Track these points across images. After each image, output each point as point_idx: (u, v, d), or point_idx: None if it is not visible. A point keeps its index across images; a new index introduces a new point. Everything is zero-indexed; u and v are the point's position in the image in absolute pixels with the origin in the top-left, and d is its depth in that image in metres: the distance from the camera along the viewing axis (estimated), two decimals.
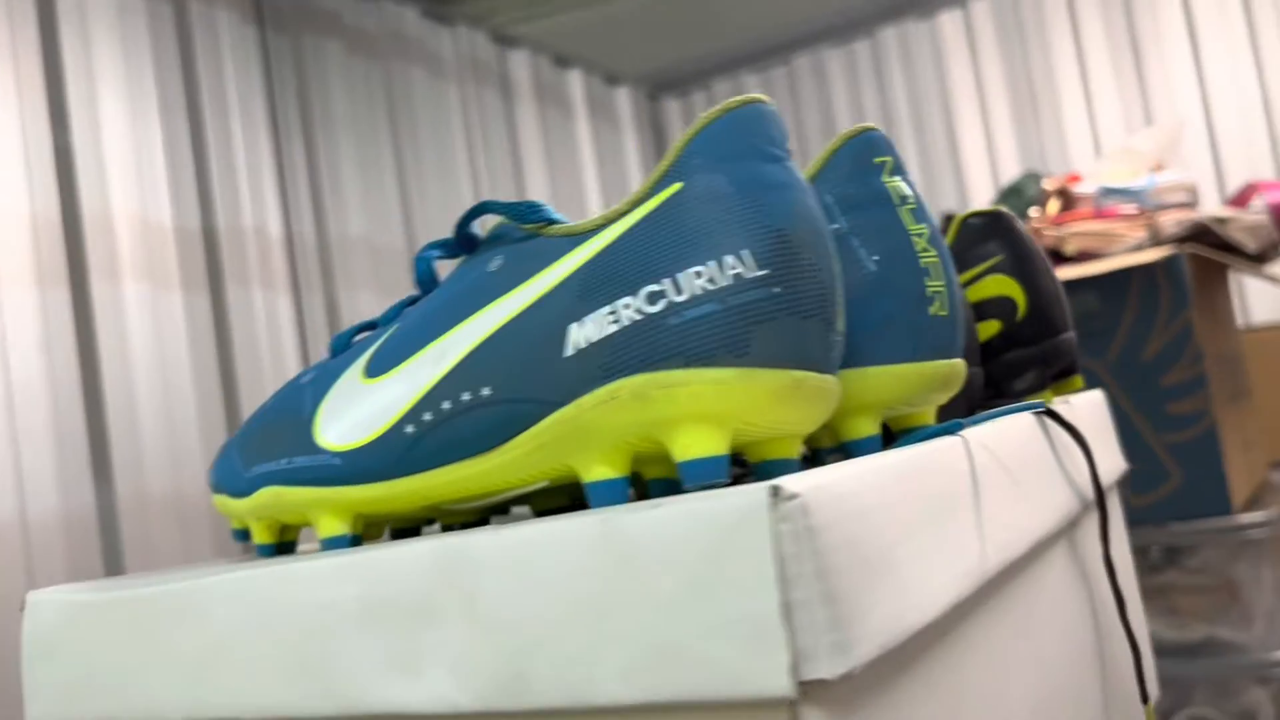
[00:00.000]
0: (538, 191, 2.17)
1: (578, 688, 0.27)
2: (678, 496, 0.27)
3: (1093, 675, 0.48)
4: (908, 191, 0.40)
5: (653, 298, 0.31)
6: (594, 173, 2.32)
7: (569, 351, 0.32)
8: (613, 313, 0.31)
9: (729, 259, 0.31)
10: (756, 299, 0.30)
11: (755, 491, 0.25)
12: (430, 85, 2.01)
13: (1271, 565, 1.17)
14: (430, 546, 0.30)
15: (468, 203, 2.03)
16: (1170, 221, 1.34)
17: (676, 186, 0.32)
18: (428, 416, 0.34)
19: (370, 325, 0.41)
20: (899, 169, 0.40)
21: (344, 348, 0.40)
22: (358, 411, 0.36)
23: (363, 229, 1.84)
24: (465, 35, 2.09)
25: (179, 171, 1.55)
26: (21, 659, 0.37)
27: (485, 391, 0.33)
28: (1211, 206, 1.83)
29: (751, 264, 0.31)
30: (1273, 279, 1.37)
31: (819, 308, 0.31)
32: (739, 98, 0.33)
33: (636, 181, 2.45)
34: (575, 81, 2.33)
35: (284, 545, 0.41)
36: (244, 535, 0.42)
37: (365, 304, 1.80)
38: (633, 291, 0.31)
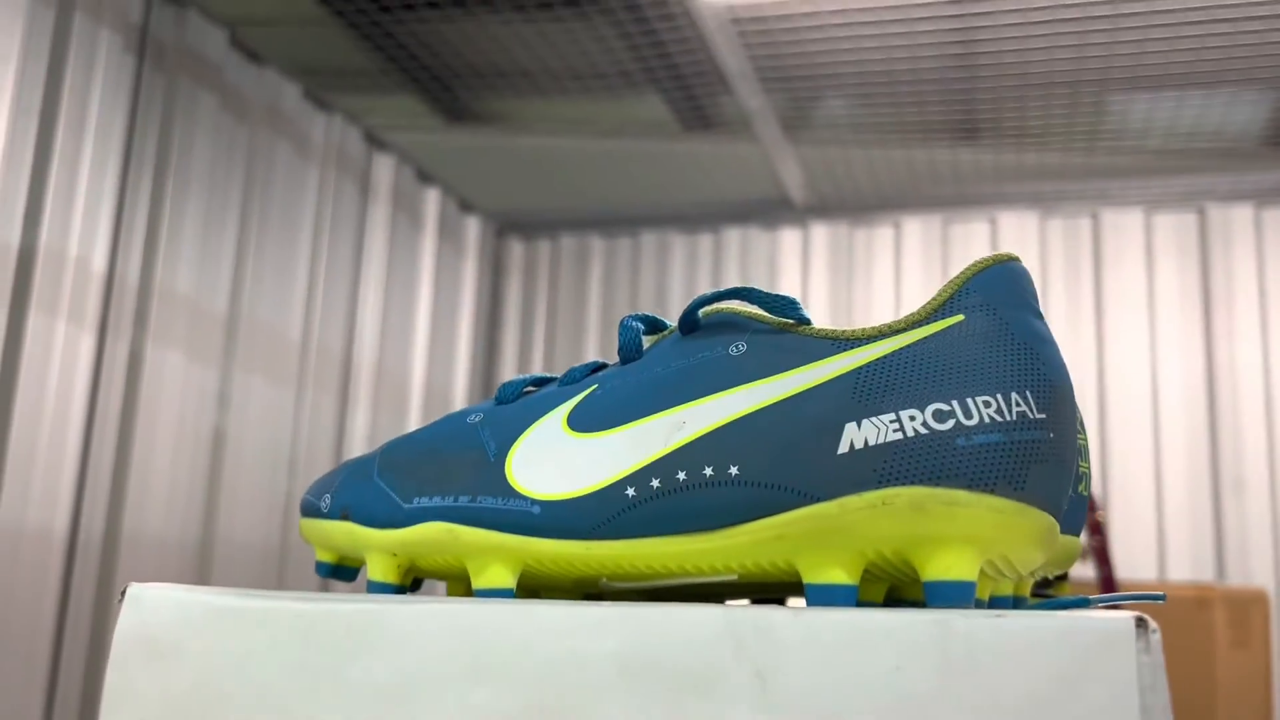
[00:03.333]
0: (372, 293, 2.13)
1: None
2: (1013, 611, 0.28)
3: None
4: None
5: (940, 416, 0.32)
6: (429, 287, 2.30)
7: (842, 449, 0.32)
8: (896, 421, 0.32)
9: (1014, 395, 0.32)
10: (1036, 439, 0.32)
11: (1120, 619, 0.26)
12: (292, 163, 1.96)
13: None
14: (718, 614, 0.28)
15: (302, 285, 1.96)
16: None
17: (959, 318, 0.34)
18: (656, 483, 0.33)
19: (538, 381, 0.39)
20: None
21: (515, 396, 0.38)
22: (565, 463, 0.34)
23: (190, 286, 1.73)
24: (339, 126, 2.06)
25: (13, 179, 1.42)
26: (112, 656, 0.32)
27: (732, 470, 0.33)
28: None
29: (1033, 405, 0.32)
30: None
31: (1073, 461, 0.33)
32: (1003, 254, 0.36)
33: (468, 304, 2.44)
34: (431, 199, 2.33)
35: (400, 588, 0.38)
36: (331, 571, 0.38)
37: (172, 364, 1.68)
38: (919, 405, 0.32)
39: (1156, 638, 0.26)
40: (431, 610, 0.30)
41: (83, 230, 1.53)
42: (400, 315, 2.21)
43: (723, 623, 0.28)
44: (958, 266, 2.27)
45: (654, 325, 0.39)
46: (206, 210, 1.75)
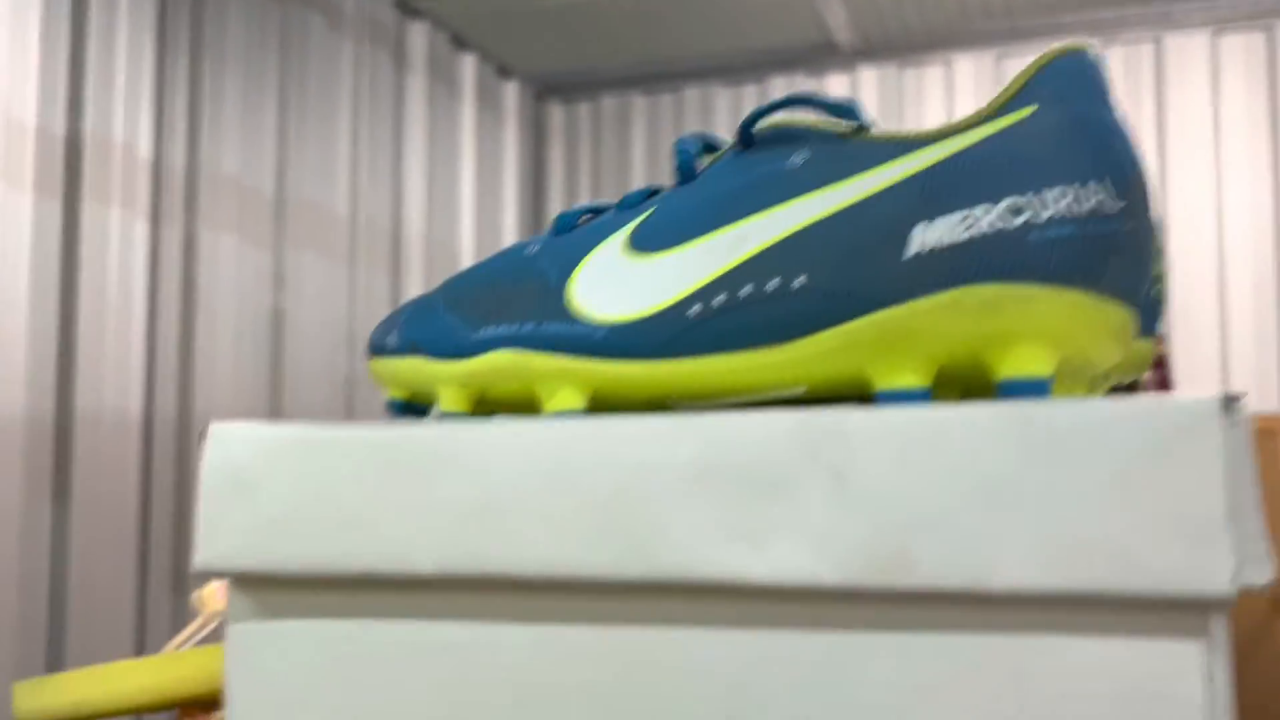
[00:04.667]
0: (414, 166, 2.12)
1: (974, 571, 0.26)
2: (1082, 398, 0.27)
3: None
4: None
5: (1012, 211, 0.31)
6: (471, 157, 2.28)
7: (911, 251, 0.32)
8: (967, 219, 0.31)
9: (1090, 185, 0.31)
10: (1115, 230, 0.31)
11: (1206, 398, 0.26)
12: (326, 37, 1.93)
13: None
14: (792, 417, 0.28)
15: (344, 162, 1.95)
16: None
17: (1030, 109, 0.32)
18: (721, 299, 0.33)
19: (594, 210, 0.39)
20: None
21: (570, 226, 0.38)
22: (627, 285, 0.34)
23: (235, 168, 1.73)
24: None
25: (51, 69, 1.41)
26: (201, 494, 0.33)
27: (799, 281, 0.32)
28: None
29: (1110, 196, 0.31)
30: None
31: (1150, 255, 0.32)
32: (1074, 42, 0.34)
33: (512, 172, 2.42)
34: (468, 65, 2.29)
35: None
36: (403, 408, 0.39)
37: (226, 246, 1.69)
38: (990, 201, 0.31)
39: (1244, 416, 0.26)
40: (508, 429, 0.30)
41: (126, 116, 1.54)
42: (445, 186, 2.20)
43: (797, 425, 0.28)
44: None
45: (710, 145, 0.38)
46: (244, 90, 1.74)
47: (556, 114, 2.54)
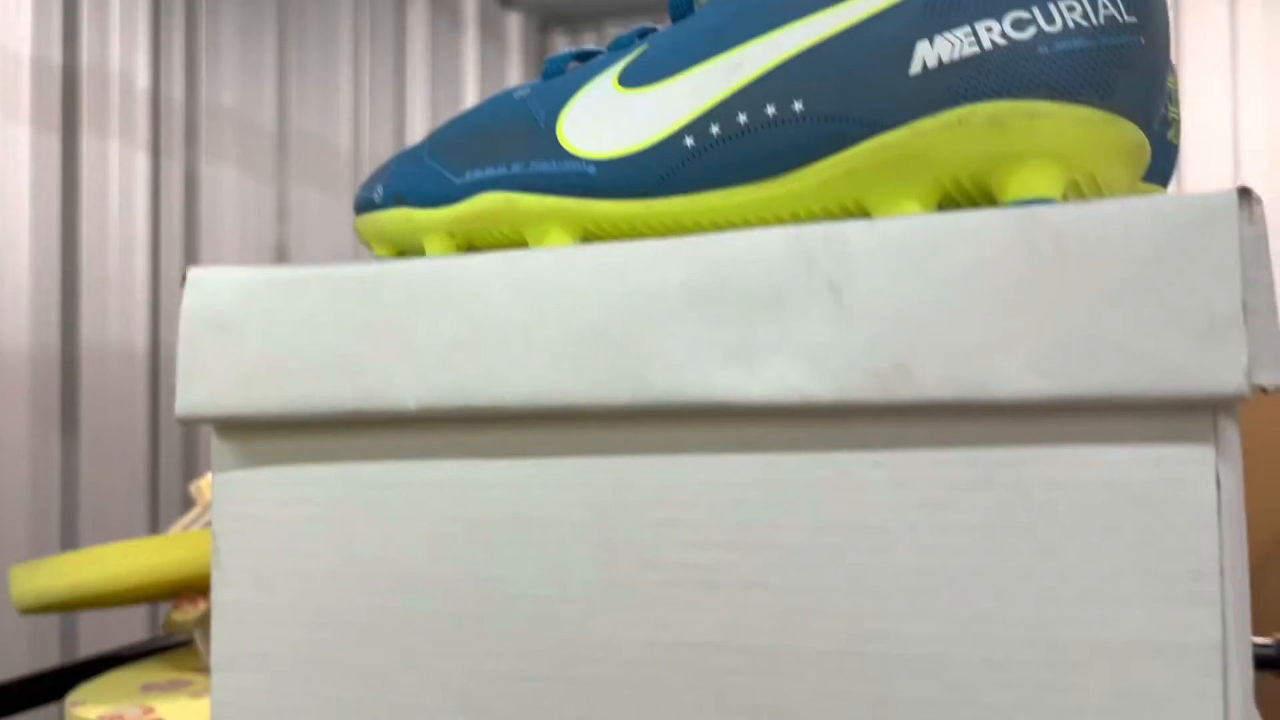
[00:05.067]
0: (417, 99, 2.09)
1: (975, 380, 0.25)
2: (1102, 199, 0.26)
3: None
4: None
5: (1019, 24, 0.30)
6: (474, 90, 2.25)
7: (915, 69, 0.30)
8: (972, 34, 0.30)
9: None
10: (1126, 44, 0.30)
11: (1222, 191, 0.24)
12: None
13: None
14: (787, 232, 0.27)
15: (346, 95, 1.93)
16: None
17: None
18: (716, 129, 0.32)
19: (584, 55, 0.37)
20: None
21: (560, 70, 0.36)
22: (619, 119, 0.33)
23: (235, 100, 1.71)
24: None
25: None
26: (181, 340, 0.32)
27: (797, 106, 0.31)
28: None
29: (1122, 7, 0.30)
30: None
31: (1165, 72, 0.31)
32: None
33: None
34: None
35: None
36: None
37: (228, 179, 1.68)
38: (996, 15, 0.30)
39: (1260, 209, 0.24)
40: (493, 260, 0.29)
41: (122, 46, 1.51)
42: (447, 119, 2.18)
43: (792, 239, 0.27)
44: None
45: None
46: (243, 20, 1.71)
47: (560, 45, 2.51)
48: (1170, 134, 0.39)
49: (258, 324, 0.31)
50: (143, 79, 1.54)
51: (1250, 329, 0.24)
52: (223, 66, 1.68)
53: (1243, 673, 0.24)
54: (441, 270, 0.30)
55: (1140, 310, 0.24)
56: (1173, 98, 0.39)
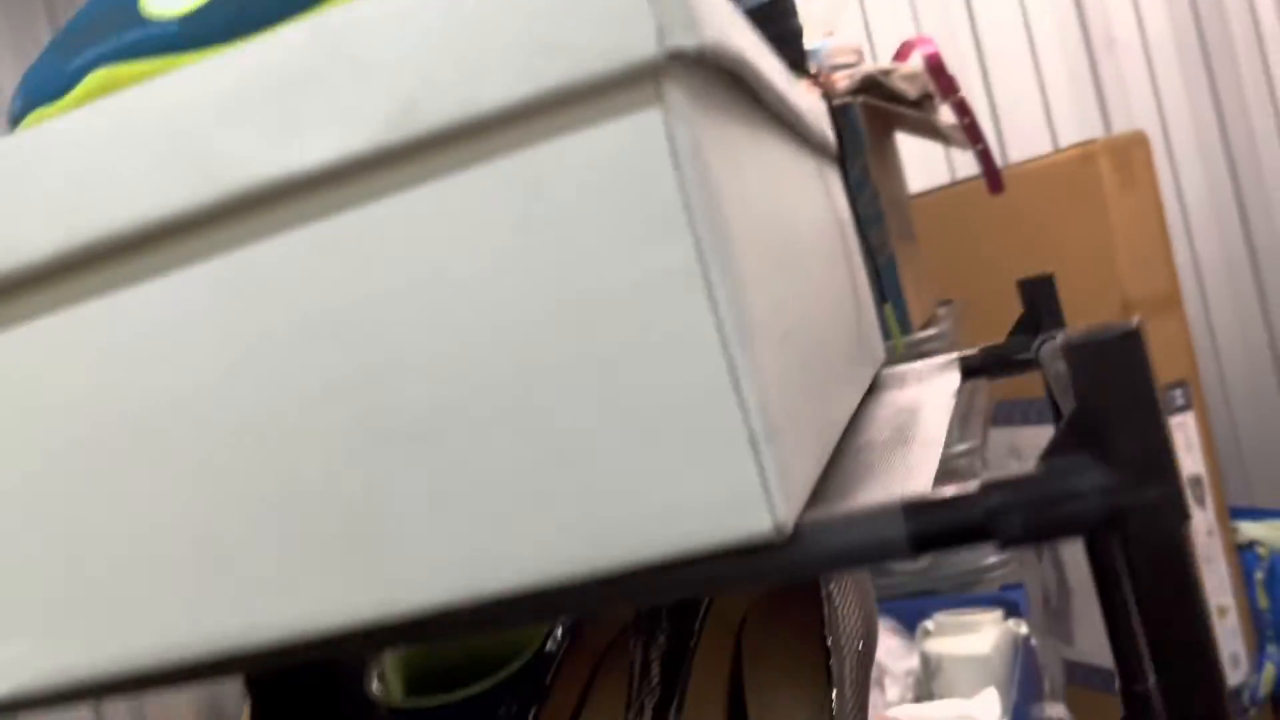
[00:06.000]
0: None
1: (464, 101, 0.30)
2: None
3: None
4: None
5: None
6: None
7: None
8: None
9: None
10: None
11: None
12: None
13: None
14: (307, 24, 0.32)
15: None
16: (842, 78, 1.48)
17: None
18: None
19: None
20: None
21: None
22: None
23: None
24: None
25: None
26: None
27: None
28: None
29: None
30: (932, 128, 1.56)
31: None
32: None
33: None
34: None
35: None
36: None
37: None
38: None
39: None
40: (81, 113, 0.34)
41: None
42: None
43: (315, 27, 0.32)
44: None
45: None
46: None
47: None
48: None
49: None
50: None
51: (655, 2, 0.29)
52: None
53: (732, 295, 0.30)
54: (31, 137, 0.34)
55: (566, 6, 0.30)
56: None
